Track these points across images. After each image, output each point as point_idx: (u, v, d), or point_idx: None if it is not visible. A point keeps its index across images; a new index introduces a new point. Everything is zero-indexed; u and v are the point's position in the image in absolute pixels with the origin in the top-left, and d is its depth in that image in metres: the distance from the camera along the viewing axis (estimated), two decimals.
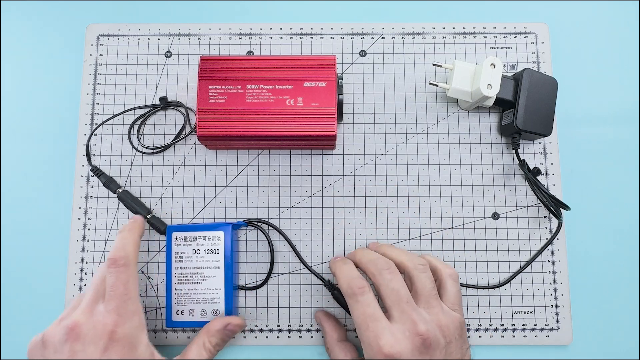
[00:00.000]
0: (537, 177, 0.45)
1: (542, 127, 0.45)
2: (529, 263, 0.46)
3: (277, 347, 0.45)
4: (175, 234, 0.44)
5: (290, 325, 0.45)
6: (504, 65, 0.50)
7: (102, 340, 0.34)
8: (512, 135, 0.46)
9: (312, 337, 0.45)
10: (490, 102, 0.46)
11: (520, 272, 0.46)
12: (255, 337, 0.45)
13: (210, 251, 0.44)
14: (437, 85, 0.46)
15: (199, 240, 0.44)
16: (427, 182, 0.48)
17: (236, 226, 0.45)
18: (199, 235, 0.44)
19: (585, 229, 0.48)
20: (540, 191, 0.44)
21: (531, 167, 0.47)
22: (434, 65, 0.46)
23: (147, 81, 0.50)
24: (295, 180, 0.48)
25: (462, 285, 0.46)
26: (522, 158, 0.46)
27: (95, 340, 0.34)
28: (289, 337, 0.45)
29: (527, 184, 0.47)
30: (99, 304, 0.36)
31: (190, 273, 0.43)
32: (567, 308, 0.46)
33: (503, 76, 0.45)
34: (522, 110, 0.45)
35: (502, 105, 0.47)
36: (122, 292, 0.36)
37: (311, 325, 0.45)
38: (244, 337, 0.45)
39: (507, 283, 0.46)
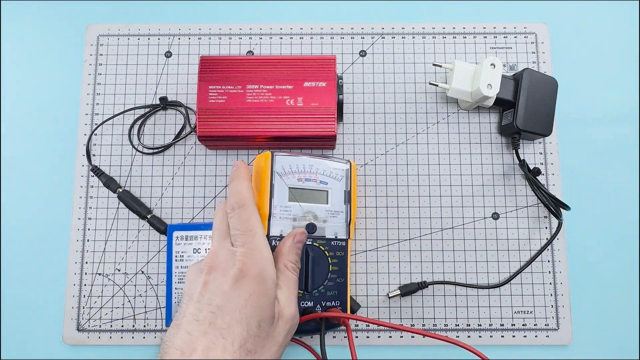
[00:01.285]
0: (537, 177, 0.45)
1: (542, 127, 0.45)
2: (529, 263, 0.46)
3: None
4: (176, 233, 0.44)
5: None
6: (504, 65, 0.50)
7: (232, 271, 0.33)
8: (512, 135, 0.46)
9: (312, 337, 0.45)
10: (490, 102, 0.46)
11: (520, 272, 0.46)
12: None
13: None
14: (437, 85, 0.46)
15: (200, 239, 0.44)
16: (427, 182, 0.48)
17: None
18: (200, 235, 0.44)
19: (585, 229, 0.48)
20: (540, 191, 0.44)
21: (531, 167, 0.47)
22: (434, 65, 0.46)
23: (147, 81, 0.50)
24: None
25: (462, 285, 0.46)
26: (522, 158, 0.46)
27: (225, 270, 0.33)
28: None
29: (527, 184, 0.47)
30: (226, 243, 0.36)
31: None
32: (567, 308, 0.46)
33: (503, 76, 0.45)
34: (522, 110, 0.45)
35: (502, 105, 0.47)
36: (247, 228, 0.35)
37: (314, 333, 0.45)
38: None
39: (507, 283, 0.46)
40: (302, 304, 0.39)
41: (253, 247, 0.34)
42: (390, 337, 0.45)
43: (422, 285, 0.45)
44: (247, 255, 0.34)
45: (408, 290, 0.45)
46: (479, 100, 0.45)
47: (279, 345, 0.33)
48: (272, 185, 0.40)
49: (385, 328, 0.45)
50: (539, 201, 0.47)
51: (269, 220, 0.39)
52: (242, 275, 0.33)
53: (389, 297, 0.45)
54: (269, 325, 0.33)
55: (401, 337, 0.45)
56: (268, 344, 0.32)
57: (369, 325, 0.45)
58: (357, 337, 0.45)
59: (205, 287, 0.33)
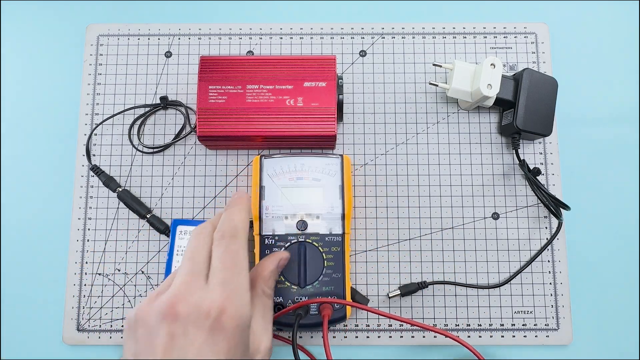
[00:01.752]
0: (537, 177, 0.45)
1: (542, 127, 0.45)
2: (528, 263, 0.46)
3: (277, 348, 0.45)
4: (180, 227, 0.45)
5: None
6: (504, 65, 0.50)
7: (207, 320, 0.27)
8: (512, 135, 0.46)
9: (312, 337, 0.45)
10: (490, 102, 0.46)
11: (520, 272, 0.46)
12: None
13: None
14: (437, 85, 0.46)
15: None
16: (427, 182, 0.48)
17: None
18: None
19: (585, 229, 0.48)
20: (540, 191, 0.44)
21: (531, 167, 0.47)
22: (434, 65, 0.46)
23: (147, 81, 0.50)
24: None
25: (462, 285, 0.46)
26: (522, 158, 0.46)
27: (198, 321, 0.27)
28: (289, 337, 0.45)
29: (527, 184, 0.47)
30: (200, 278, 0.29)
31: None
32: (567, 308, 0.46)
33: (503, 76, 0.45)
34: (522, 110, 0.45)
35: (502, 105, 0.47)
36: (232, 263, 0.30)
37: (315, 329, 0.45)
38: None
39: (506, 283, 0.46)
40: (297, 299, 0.41)
41: (234, 289, 0.29)
42: (390, 337, 0.45)
43: (422, 285, 0.45)
44: (227, 300, 0.28)
45: (408, 290, 0.45)
46: (479, 100, 0.45)
47: None
48: (261, 187, 0.43)
49: (385, 328, 0.45)
50: (539, 201, 0.47)
51: (260, 220, 0.42)
52: (220, 327, 0.27)
53: (389, 297, 0.45)
54: None
55: (401, 337, 0.45)
56: None
57: (369, 325, 0.45)
58: (357, 337, 0.45)
59: (173, 341, 0.26)
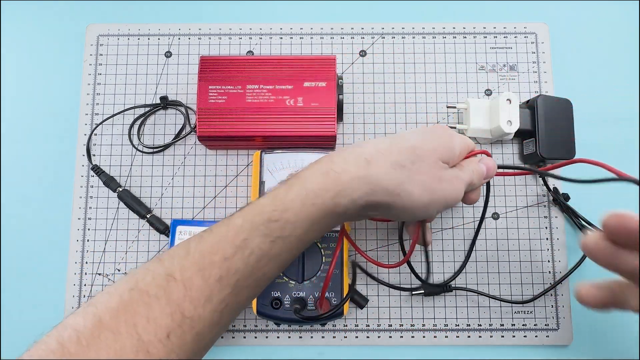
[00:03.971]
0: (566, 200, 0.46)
1: (565, 152, 0.45)
2: (558, 282, 0.45)
3: (277, 347, 0.45)
4: (180, 228, 0.45)
5: (290, 325, 0.45)
6: (504, 66, 0.50)
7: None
8: (537, 163, 0.46)
9: (312, 337, 0.45)
10: (511, 136, 0.46)
11: (545, 292, 0.46)
12: (255, 337, 0.45)
13: None
14: (454, 107, 0.46)
15: None
16: None
17: None
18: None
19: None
20: (577, 219, 0.45)
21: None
22: (447, 107, 0.47)
23: (147, 81, 0.50)
24: None
25: (463, 289, 0.46)
26: (552, 187, 0.46)
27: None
28: (289, 337, 0.45)
29: (560, 211, 0.47)
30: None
31: None
32: (567, 308, 0.46)
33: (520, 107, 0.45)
34: (544, 139, 0.44)
35: (521, 135, 0.46)
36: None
37: (311, 325, 0.45)
38: (244, 337, 0.45)
39: (532, 301, 0.45)
40: (295, 294, 0.41)
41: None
42: (390, 337, 0.45)
43: (446, 288, 0.45)
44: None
45: (431, 291, 0.45)
46: (499, 136, 0.45)
47: (441, 178, 0.33)
48: (261, 183, 0.44)
49: (385, 328, 0.45)
50: (538, 203, 0.47)
51: None
52: (433, 127, 0.35)
53: (412, 295, 0.45)
54: (438, 161, 0.33)
55: (401, 337, 0.45)
56: (434, 167, 0.32)
57: (369, 325, 0.45)
58: (357, 337, 0.45)
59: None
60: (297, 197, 0.30)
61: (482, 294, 0.45)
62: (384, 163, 0.31)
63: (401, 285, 0.46)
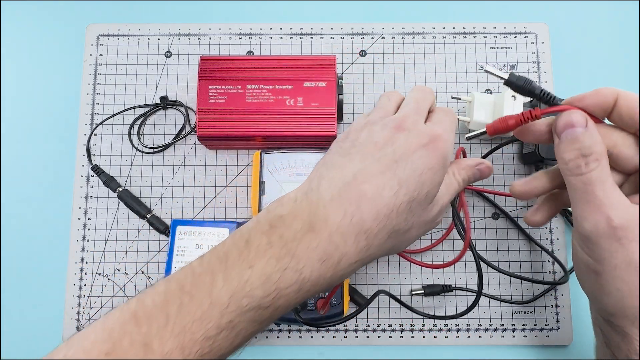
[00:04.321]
0: None
1: None
2: (553, 287, 0.46)
3: (277, 347, 0.45)
4: (180, 228, 0.44)
5: (290, 325, 0.45)
6: (504, 65, 0.50)
7: (424, 139, 0.29)
8: (536, 163, 0.46)
9: (312, 337, 0.45)
10: (511, 133, 0.46)
11: (545, 293, 0.46)
12: (255, 337, 0.45)
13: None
14: (459, 99, 0.46)
15: (203, 235, 0.44)
16: None
17: (241, 225, 0.45)
18: (203, 231, 0.44)
19: None
20: None
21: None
22: (452, 98, 0.46)
23: (147, 81, 0.50)
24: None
25: (463, 289, 0.46)
26: None
27: (418, 137, 0.29)
28: (289, 337, 0.45)
29: (561, 213, 0.47)
30: (421, 118, 0.32)
31: None
32: (567, 308, 0.46)
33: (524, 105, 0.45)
34: None
35: None
36: (448, 122, 0.32)
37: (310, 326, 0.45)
38: None
39: (531, 301, 0.45)
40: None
41: (448, 128, 0.31)
42: (390, 337, 0.45)
43: (447, 288, 0.45)
44: (443, 133, 0.30)
45: (432, 290, 0.45)
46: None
47: (425, 222, 0.31)
48: (261, 182, 0.44)
49: (385, 328, 0.45)
50: None
51: None
52: (433, 148, 0.29)
53: (412, 294, 0.45)
54: (429, 201, 0.30)
55: (401, 337, 0.45)
56: (422, 215, 0.30)
57: (369, 325, 0.45)
58: (357, 337, 0.45)
59: (392, 140, 0.29)
60: (292, 285, 0.27)
61: (482, 295, 0.45)
62: (383, 237, 0.28)
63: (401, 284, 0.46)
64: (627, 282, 0.27)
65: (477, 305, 0.45)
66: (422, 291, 0.45)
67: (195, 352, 0.25)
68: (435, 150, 0.29)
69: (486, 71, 0.31)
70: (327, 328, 0.45)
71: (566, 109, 0.29)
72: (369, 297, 0.45)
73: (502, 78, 0.30)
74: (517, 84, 0.30)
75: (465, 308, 0.40)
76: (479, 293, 0.39)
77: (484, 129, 0.32)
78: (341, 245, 0.27)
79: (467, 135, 0.32)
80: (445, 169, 0.30)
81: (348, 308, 0.43)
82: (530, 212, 0.35)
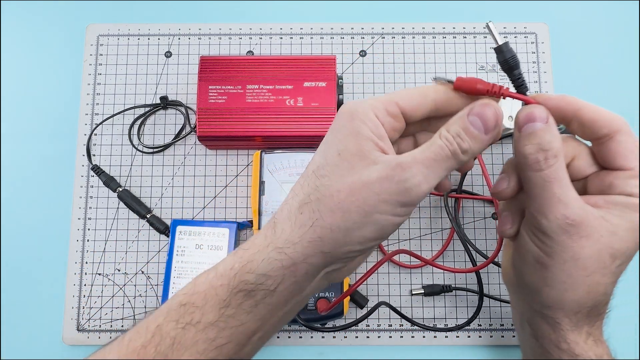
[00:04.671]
0: None
1: None
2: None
3: (277, 347, 0.45)
4: (179, 228, 0.45)
5: (290, 325, 0.45)
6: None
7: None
8: None
9: (312, 337, 0.45)
10: (511, 131, 0.46)
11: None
12: None
13: (213, 247, 0.44)
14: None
15: (203, 235, 0.44)
16: None
17: (242, 225, 0.45)
18: (203, 231, 0.44)
19: None
20: None
21: None
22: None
23: (147, 81, 0.50)
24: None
25: (463, 289, 0.46)
26: None
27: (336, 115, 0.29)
28: (289, 337, 0.45)
29: None
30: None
31: (191, 268, 0.44)
32: None
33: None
34: None
35: None
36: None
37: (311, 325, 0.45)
38: None
39: None
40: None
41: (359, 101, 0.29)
42: (391, 337, 0.45)
43: (447, 288, 0.45)
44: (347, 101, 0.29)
45: (432, 290, 0.45)
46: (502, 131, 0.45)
47: (362, 182, 0.26)
48: (261, 182, 0.44)
49: (385, 328, 0.45)
50: None
51: (260, 215, 0.43)
52: (336, 115, 0.29)
53: (412, 295, 0.45)
54: (354, 158, 0.27)
55: (401, 337, 0.45)
56: (347, 175, 0.27)
57: (369, 325, 0.45)
58: (357, 337, 0.45)
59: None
60: (206, 279, 0.28)
61: (485, 296, 0.45)
62: (287, 214, 0.28)
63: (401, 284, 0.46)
64: (571, 277, 0.28)
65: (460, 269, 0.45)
66: (422, 291, 0.45)
67: None
68: (338, 116, 0.29)
69: (487, 27, 0.29)
70: (326, 328, 0.45)
71: (531, 101, 0.29)
72: (367, 296, 0.45)
73: (496, 42, 0.29)
74: (505, 55, 0.29)
75: (465, 307, 0.40)
76: (479, 306, 0.39)
77: (453, 80, 0.29)
78: (255, 237, 0.28)
79: (435, 76, 0.30)
80: (354, 121, 0.28)
81: (348, 308, 0.43)
82: (500, 223, 0.32)
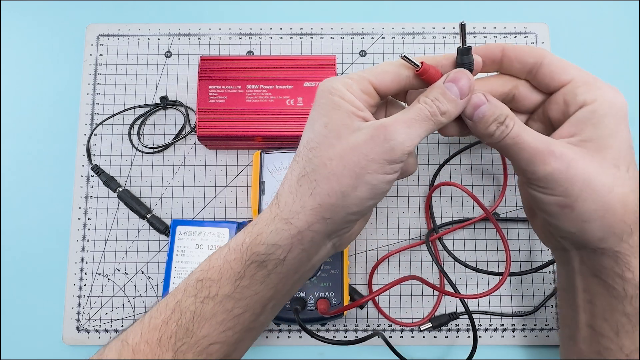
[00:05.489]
0: None
1: None
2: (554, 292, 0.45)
3: (277, 347, 0.45)
4: (179, 228, 0.45)
5: (290, 325, 0.45)
6: None
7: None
8: None
9: (311, 337, 0.45)
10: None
11: (547, 299, 0.46)
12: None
13: (213, 247, 0.44)
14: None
15: (204, 235, 0.44)
16: (427, 182, 0.48)
17: (241, 225, 0.45)
18: (203, 231, 0.44)
19: None
20: None
21: None
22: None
23: (147, 81, 0.50)
24: None
25: (494, 314, 0.45)
26: None
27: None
28: (289, 337, 0.45)
29: None
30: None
31: (192, 268, 0.43)
32: None
33: None
34: None
35: None
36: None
37: (311, 325, 0.45)
38: None
39: (535, 311, 0.45)
40: (295, 294, 0.40)
41: (333, 77, 0.31)
42: (391, 337, 0.45)
43: (453, 316, 0.44)
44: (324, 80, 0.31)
45: (440, 322, 0.44)
46: None
47: (350, 147, 0.28)
48: (261, 182, 0.43)
49: (386, 328, 0.45)
50: None
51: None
52: (316, 94, 0.31)
53: (420, 330, 0.44)
54: (341, 128, 0.29)
55: (401, 337, 0.45)
56: (336, 143, 0.29)
57: (369, 325, 0.45)
58: (357, 337, 0.45)
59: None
60: (220, 255, 0.30)
61: (491, 314, 0.45)
62: (288, 187, 0.30)
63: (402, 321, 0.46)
64: (597, 200, 0.28)
65: (477, 304, 0.45)
66: (430, 325, 0.44)
67: (154, 339, 0.29)
68: (318, 92, 0.30)
69: (461, 27, 0.31)
70: (326, 328, 0.45)
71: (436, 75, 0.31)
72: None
73: (464, 43, 0.31)
74: (464, 61, 0.31)
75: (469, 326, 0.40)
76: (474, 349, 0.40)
77: (418, 63, 0.30)
78: (262, 213, 0.31)
79: (404, 54, 0.31)
80: (333, 96, 0.29)
81: None
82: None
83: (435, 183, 0.47)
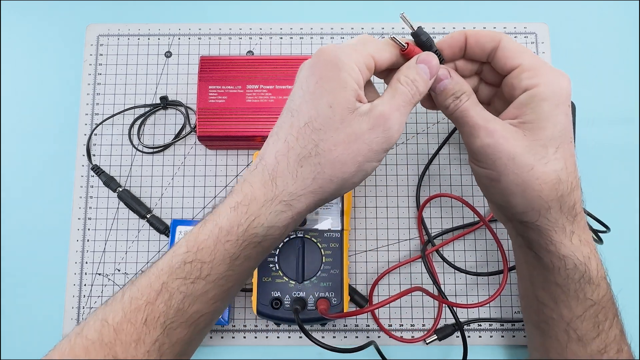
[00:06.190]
0: None
1: None
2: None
3: (277, 347, 0.45)
4: (180, 228, 0.45)
5: (290, 325, 0.45)
6: None
7: (309, 61, 0.31)
8: None
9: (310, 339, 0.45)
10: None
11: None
12: (255, 337, 0.45)
13: None
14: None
15: None
16: (427, 182, 0.48)
17: None
18: None
19: None
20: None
21: None
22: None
23: (147, 81, 0.50)
24: None
25: (496, 320, 0.45)
26: None
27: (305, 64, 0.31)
28: (289, 337, 0.45)
29: None
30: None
31: None
32: None
33: None
34: None
35: None
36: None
37: (311, 325, 0.45)
38: (244, 337, 0.45)
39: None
40: (295, 294, 0.41)
41: (335, 45, 0.31)
42: (391, 337, 0.45)
43: (457, 326, 0.43)
44: (325, 46, 0.31)
45: (445, 334, 0.44)
46: None
47: (355, 135, 0.29)
48: None
49: (385, 328, 0.45)
50: None
51: None
52: (316, 61, 0.30)
53: (427, 343, 0.44)
54: (345, 111, 0.29)
55: (401, 336, 0.45)
56: (341, 128, 0.29)
57: (369, 325, 0.45)
58: (357, 337, 0.45)
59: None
60: (210, 236, 0.30)
61: (491, 320, 0.45)
62: (287, 167, 0.29)
63: (404, 337, 0.46)
64: (519, 175, 0.30)
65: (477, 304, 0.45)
66: (436, 337, 0.44)
67: (140, 319, 0.29)
68: (319, 64, 0.30)
69: (403, 18, 0.32)
70: (326, 328, 0.45)
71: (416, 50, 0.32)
72: (367, 296, 0.45)
73: (412, 28, 0.33)
74: (422, 38, 0.32)
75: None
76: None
77: (404, 44, 0.32)
78: (248, 188, 0.30)
79: (392, 35, 0.32)
80: (340, 72, 0.29)
81: (348, 308, 0.43)
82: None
83: (430, 194, 0.47)
